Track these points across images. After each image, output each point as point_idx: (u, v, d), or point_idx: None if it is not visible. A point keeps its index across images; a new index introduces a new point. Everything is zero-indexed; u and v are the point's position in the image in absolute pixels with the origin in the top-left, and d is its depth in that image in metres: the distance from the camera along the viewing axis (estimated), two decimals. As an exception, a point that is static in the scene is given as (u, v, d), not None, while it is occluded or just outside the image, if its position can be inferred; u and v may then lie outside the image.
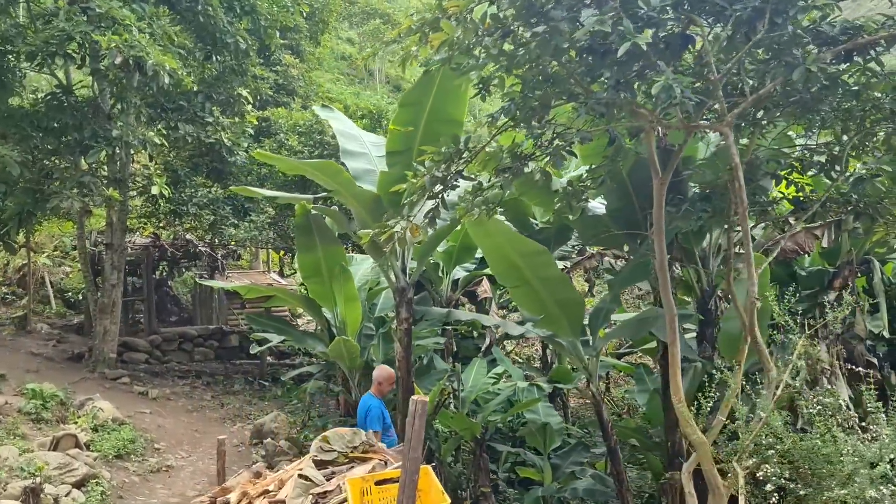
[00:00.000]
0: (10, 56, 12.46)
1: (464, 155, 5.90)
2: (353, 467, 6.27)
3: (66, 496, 8.40)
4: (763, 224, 8.36)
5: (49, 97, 13.39)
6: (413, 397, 4.45)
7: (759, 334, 5.87)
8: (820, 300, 9.51)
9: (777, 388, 5.44)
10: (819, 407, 5.19)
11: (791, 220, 9.22)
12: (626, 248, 9.42)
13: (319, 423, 12.09)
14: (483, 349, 12.97)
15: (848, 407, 6.58)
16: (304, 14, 19.31)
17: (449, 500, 4.75)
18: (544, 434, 10.59)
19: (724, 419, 5.70)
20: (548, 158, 6.18)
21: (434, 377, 10.82)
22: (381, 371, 7.81)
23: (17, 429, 10.32)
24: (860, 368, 8.13)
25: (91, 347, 15.21)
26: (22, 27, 12.21)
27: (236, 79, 15.32)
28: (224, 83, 15.18)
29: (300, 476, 6.07)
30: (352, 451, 6.44)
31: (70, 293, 21.29)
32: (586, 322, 9.67)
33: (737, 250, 7.53)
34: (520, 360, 17.96)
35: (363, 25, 49.36)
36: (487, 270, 12.78)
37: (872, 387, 5.38)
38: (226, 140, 15.17)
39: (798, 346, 5.62)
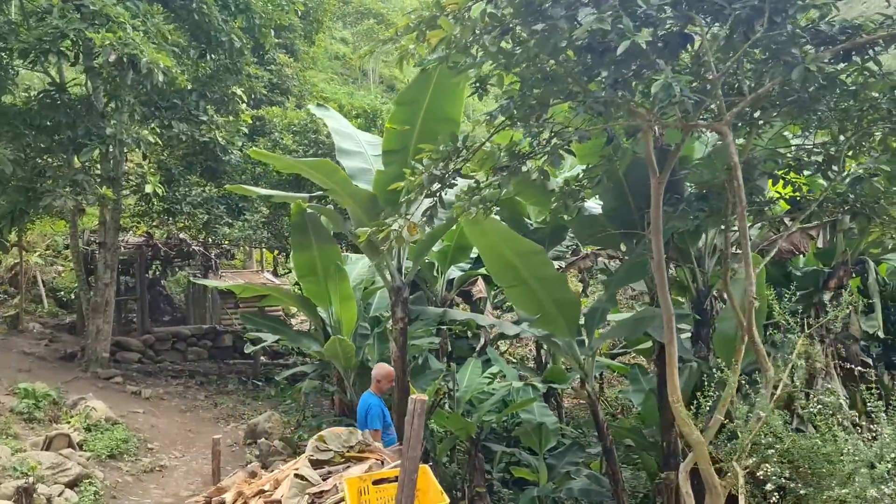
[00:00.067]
0: (4, 53, 12.38)
1: (462, 153, 5.88)
2: (349, 467, 6.25)
3: (59, 496, 8.34)
4: (759, 224, 8.36)
5: (42, 95, 13.31)
6: (412, 396, 4.43)
7: (756, 334, 5.87)
8: (815, 300, 9.54)
9: (776, 388, 5.44)
10: (819, 406, 5.18)
11: (787, 220, 9.25)
12: (623, 247, 9.40)
13: (314, 423, 12.05)
14: (478, 349, 12.95)
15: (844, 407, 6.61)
16: (299, 13, 19.27)
17: (448, 500, 4.72)
18: (540, 434, 10.58)
19: (722, 419, 5.69)
20: (545, 157, 6.18)
21: (429, 377, 10.79)
22: (380, 369, 7.78)
23: (9, 428, 10.25)
24: (857, 367, 8.14)
25: (84, 347, 15.13)
26: (15, 24, 12.14)
27: (231, 77, 15.26)
28: (218, 82, 15.12)
29: (296, 476, 6.04)
30: (348, 451, 6.42)
31: (62, 292, 21.18)
32: (582, 322, 9.67)
33: (733, 250, 7.53)
34: (514, 361, 17.96)
35: (357, 25, 49.32)
36: (482, 270, 12.79)
37: (873, 387, 5.37)
38: (220, 139, 15.12)
39: (797, 346, 5.61)
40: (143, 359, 17.12)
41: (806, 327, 5.93)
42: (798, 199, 7.29)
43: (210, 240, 19.14)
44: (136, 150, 14.07)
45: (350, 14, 49.67)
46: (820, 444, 4.88)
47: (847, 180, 6.86)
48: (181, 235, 19.51)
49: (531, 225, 12.04)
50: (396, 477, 5.38)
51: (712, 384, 5.85)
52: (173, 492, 10.01)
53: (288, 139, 16.91)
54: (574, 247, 14.11)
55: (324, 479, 6.11)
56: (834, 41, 5.43)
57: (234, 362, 18.55)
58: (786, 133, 8.38)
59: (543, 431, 10.60)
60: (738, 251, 7.91)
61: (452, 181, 6.02)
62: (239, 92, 15.41)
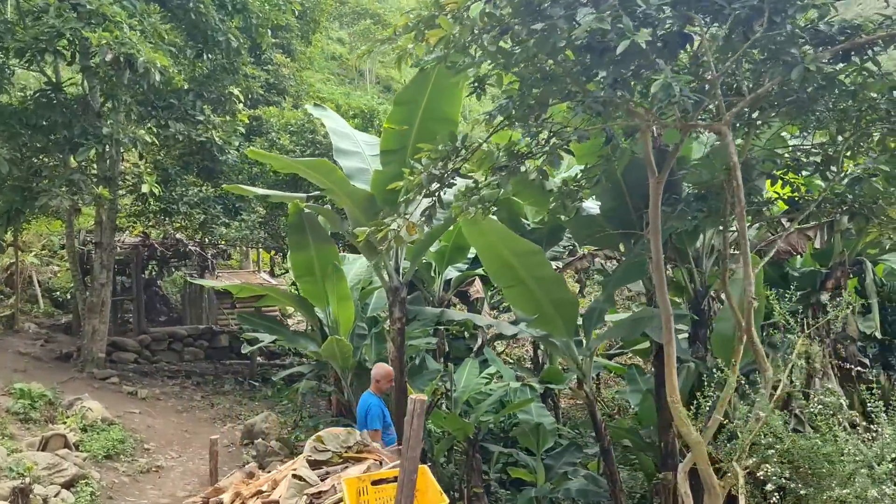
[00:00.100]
0: (0, 52, 12.33)
1: (461, 153, 5.87)
2: (347, 467, 6.23)
3: (55, 497, 8.31)
4: (757, 225, 8.37)
5: (38, 94, 13.25)
6: (411, 396, 4.41)
7: (755, 334, 5.87)
8: (812, 301, 9.55)
9: (776, 388, 5.43)
10: (820, 406, 5.18)
11: (784, 220, 9.25)
12: (621, 248, 9.40)
13: (311, 424, 12.02)
14: (475, 349, 12.95)
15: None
16: (296, 13, 19.22)
17: (447, 500, 4.71)
18: (537, 434, 10.58)
19: (721, 419, 5.69)
20: (544, 157, 6.17)
21: (426, 377, 10.78)
22: (379, 369, 7.76)
23: (5, 429, 10.21)
24: (855, 367, 8.15)
25: (80, 347, 15.07)
26: (11, 23, 12.07)
27: (227, 77, 15.22)
28: (215, 81, 15.08)
29: (294, 476, 6.02)
30: (346, 451, 6.40)
31: (58, 292, 21.12)
32: (579, 322, 9.67)
33: (731, 251, 7.53)
34: (510, 361, 17.95)
35: (354, 25, 49.27)
36: (479, 270, 12.79)
37: (873, 387, 5.36)
38: (217, 139, 15.07)
39: (798, 346, 5.61)
40: (140, 359, 17.07)
41: (806, 327, 5.92)
42: (797, 199, 7.29)
43: (207, 240, 19.09)
44: (133, 149, 14.02)
45: (347, 14, 49.62)
46: (820, 444, 4.87)
47: (845, 181, 6.87)
48: (177, 235, 19.46)
49: (528, 225, 12.05)
50: (395, 477, 5.37)
51: (712, 384, 5.84)
52: (170, 492, 9.98)
53: (285, 139, 16.87)
54: (571, 247, 14.12)
55: (322, 480, 6.10)
56: (833, 41, 5.43)
57: (230, 363, 18.52)
58: (783, 134, 8.38)
59: (541, 432, 10.60)
60: (736, 251, 7.93)
61: (451, 181, 6.01)
62: (236, 92, 15.37)
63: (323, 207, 10.46)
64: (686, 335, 9.70)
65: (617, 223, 8.99)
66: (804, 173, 7.19)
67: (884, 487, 4.38)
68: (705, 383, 5.90)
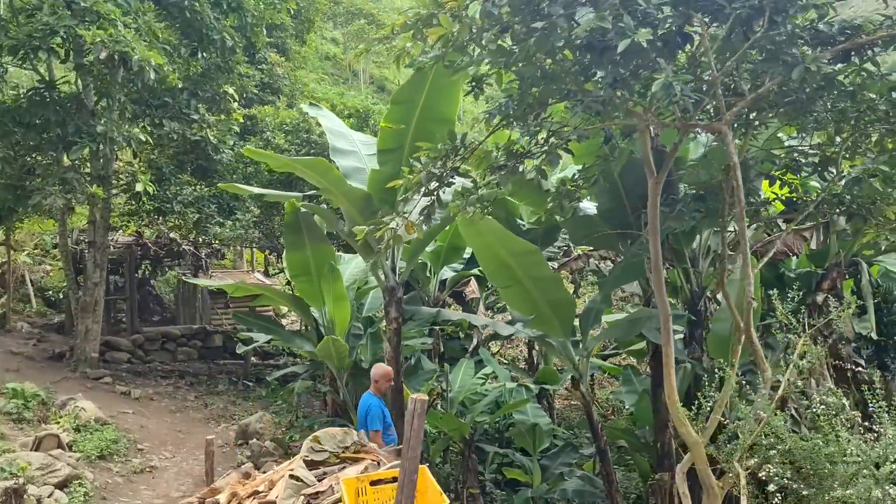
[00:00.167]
0: (-8, 50, 12.26)
1: (460, 152, 5.85)
2: (344, 468, 6.21)
3: (48, 497, 8.24)
4: (754, 226, 8.37)
5: (32, 92, 13.18)
6: (412, 396, 4.39)
7: (754, 334, 5.86)
8: (808, 302, 9.55)
9: (778, 388, 5.43)
10: (822, 407, 5.17)
11: (780, 221, 9.26)
12: (620, 247, 9.39)
13: (306, 424, 11.97)
14: (471, 350, 12.93)
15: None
16: (291, 12, 19.18)
17: (448, 501, 4.68)
18: (533, 435, 10.56)
19: (719, 419, 5.68)
20: (543, 157, 6.15)
21: (422, 378, 10.76)
22: (377, 369, 7.73)
23: (-3, 429, 10.14)
24: (856, 368, 8.16)
25: (72, 347, 14.99)
26: (4, 21, 12.00)
27: (222, 76, 15.16)
28: (210, 80, 15.01)
29: (291, 476, 5.99)
30: (343, 452, 6.37)
31: (51, 292, 21.01)
32: (576, 323, 9.66)
33: (728, 251, 7.53)
34: (505, 361, 17.95)
35: (348, 25, 49.17)
36: (475, 271, 12.77)
37: (876, 388, 5.36)
38: (211, 138, 15.01)
39: (798, 347, 5.60)
40: (133, 359, 16.98)
41: (806, 328, 5.91)
42: (795, 199, 7.30)
43: (200, 239, 19.01)
44: (127, 148, 13.95)
45: (341, 14, 49.51)
46: (821, 444, 4.86)
47: (843, 181, 6.87)
48: (171, 235, 19.38)
49: (523, 226, 12.02)
50: (394, 478, 5.34)
51: (712, 385, 5.83)
52: (164, 493, 9.92)
53: (280, 138, 16.82)
54: (566, 247, 14.12)
55: (319, 480, 6.07)
56: (833, 41, 5.43)
57: (224, 362, 18.43)
58: (780, 135, 8.39)
59: (537, 432, 10.59)
60: (732, 252, 7.94)
61: (450, 180, 5.99)
62: (231, 91, 15.31)
63: (319, 207, 10.41)
64: (681, 336, 9.70)
65: (614, 223, 8.98)
66: (803, 174, 7.18)
67: (888, 488, 4.38)
68: (705, 384, 5.88)
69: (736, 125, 6.52)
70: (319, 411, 14.07)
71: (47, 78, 13.56)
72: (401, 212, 5.87)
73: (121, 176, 15.72)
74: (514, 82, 5.81)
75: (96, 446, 10.37)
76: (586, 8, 5.27)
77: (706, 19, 5.44)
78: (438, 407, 10.55)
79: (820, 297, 9.45)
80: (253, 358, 18.10)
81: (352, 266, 12.31)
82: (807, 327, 6.15)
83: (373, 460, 6.18)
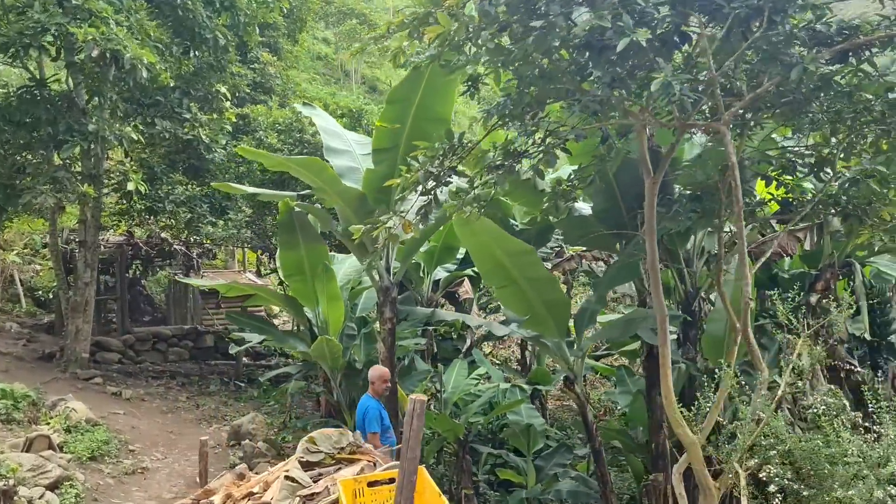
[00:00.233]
0: (-18, 48, 12.14)
1: (457, 151, 5.82)
2: (340, 468, 6.17)
3: (39, 498, 8.16)
4: (749, 226, 8.37)
5: (22, 90, 13.07)
6: (411, 396, 4.36)
7: (751, 335, 5.86)
8: (802, 303, 9.57)
9: (778, 389, 5.43)
10: (823, 407, 5.17)
11: (773, 222, 9.28)
12: (617, 247, 9.38)
13: (299, 425, 11.91)
14: (464, 350, 12.91)
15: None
16: (284, 11, 19.10)
17: (447, 502, 4.65)
18: (528, 436, 10.54)
19: (715, 419, 5.67)
20: (540, 156, 6.13)
21: (416, 378, 10.74)
22: (373, 371, 7.69)
23: (-13, 429, 10.05)
24: (845, 367, 8.17)
25: (63, 347, 14.87)
26: (-5, 18, 11.91)
27: (214, 75, 15.07)
28: (202, 79, 14.93)
29: (286, 477, 5.95)
30: (339, 452, 6.34)
31: (40, 291, 20.85)
32: (570, 323, 9.65)
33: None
34: (497, 362, 17.93)
35: (339, 25, 49.09)
36: (469, 271, 12.75)
37: (865, 388, 5.36)
38: (204, 137, 14.92)
39: (798, 348, 5.60)
40: (124, 359, 16.85)
41: (803, 329, 5.91)
42: (791, 200, 7.30)
43: (192, 239, 18.91)
44: (118, 147, 13.86)
45: (332, 14, 49.41)
46: (821, 445, 4.86)
47: (838, 182, 6.87)
48: (162, 234, 19.27)
49: (516, 226, 12.01)
50: (391, 479, 5.31)
51: (711, 385, 5.82)
52: (156, 494, 9.85)
53: (273, 138, 16.73)
54: (558, 248, 14.12)
55: (314, 481, 6.03)
56: (831, 42, 5.43)
57: (215, 363, 18.34)
58: (773, 135, 8.40)
59: (531, 433, 10.57)
60: (727, 252, 7.94)
61: (448, 179, 5.96)
62: (223, 90, 15.23)
63: (313, 206, 10.37)
64: (675, 336, 9.70)
65: (609, 224, 8.97)
66: (798, 175, 7.19)
67: (889, 489, 4.37)
68: (705, 384, 5.87)
69: (732, 125, 6.52)
70: (312, 412, 14.02)
71: (38, 76, 13.46)
72: (398, 211, 5.84)
73: (112, 175, 15.61)
74: (511, 81, 5.79)
75: (87, 447, 10.28)
76: (583, 7, 5.28)
77: (704, 19, 5.44)
78: (432, 408, 10.51)
79: (814, 298, 9.47)
80: (244, 358, 18.02)
81: (345, 266, 12.27)
82: (802, 328, 6.15)
83: (369, 461, 6.15)
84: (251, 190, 10.86)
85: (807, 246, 10.18)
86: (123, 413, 12.69)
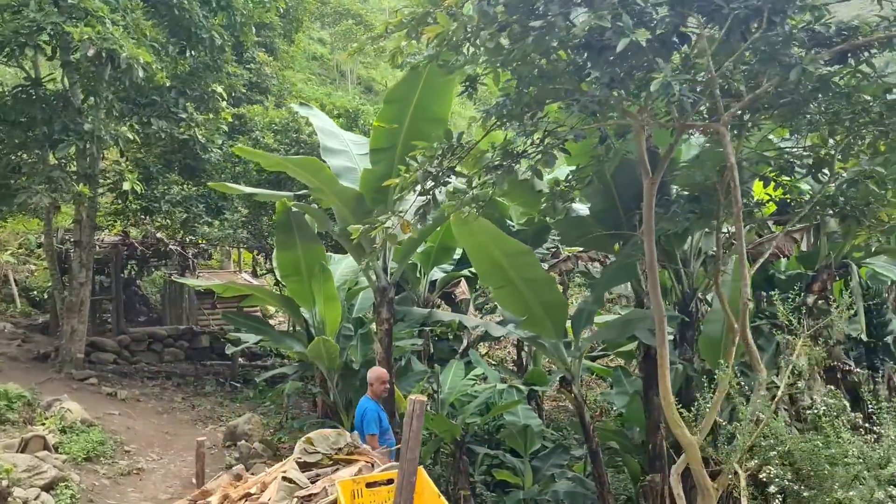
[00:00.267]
0: (-23, 47, 12.09)
1: (456, 151, 5.81)
2: (337, 469, 6.14)
3: (35, 499, 8.12)
4: (748, 227, 8.38)
5: (17, 90, 13.02)
6: (411, 397, 4.34)
7: (750, 336, 5.85)
8: (799, 304, 9.58)
9: (775, 389, 5.42)
10: (823, 408, 5.17)
11: (770, 223, 9.29)
12: (616, 247, 9.38)
13: (296, 426, 11.88)
14: (461, 351, 12.89)
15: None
16: (280, 11, 19.07)
17: (446, 502, 4.63)
18: (525, 436, 10.53)
19: (714, 419, 5.67)
20: (539, 157, 6.12)
21: (412, 379, 10.72)
22: (372, 372, 7.67)
23: (-19, 430, 10.00)
24: (842, 368, 8.19)
25: (57, 347, 14.80)
26: (-10, 17, 11.86)
27: (211, 75, 15.03)
28: (198, 79, 14.89)
29: (284, 478, 5.92)
30: (336, 453, 6.31)
31: (35, 292, 20.78)
32: (568, 324, 9.64)
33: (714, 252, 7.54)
34: (493, 363, 17.94)
35: (335, 26, 49.07)
36: (465, 272, 12.74)
37: (860, 389, 5.37)
38: (200, 137, 14.87)
39: (798, 348, 5.60)
40: (119, 360, 16.77)
41: (801, 330, 5.91)
42: (788, 201, 7.31)
43: (188, 239, 18.86)
44: (114, 146, 13.81)
45: (328, 14, 49.39)
46: (821, 445, 4.86)
47: (836, 183, 6.88)
48: (158, 235, 19.21)
49: (513, 227, 12.01)
50: (389, 480, 5.29)
51: (709, 386, 5.82)
52: (151, 495, 9.80)
53: (269, 138, 16.70)
54: (554, 249, 14.12)
55: (312, 482, 6.01)
56: (830, 43, 5.43)
57: (211, 363, 18.27)
58: (770, 137, 8.41)
59: (528, 434, 10.56)
60: (724, 253, 7.94)
61: (446, 179, 5.95)
62: (219, 89, 15.19)
63: (311, 206, 10.34)
64: (672, 337, 9.70)
65: (607, 224, 8.97)
66: (796, 175, 7.19)
67: (890, 489, 4.37)
68: (704, 385, 5.87)
69: (730, 126, 6.52)
70: (308, 412, 13.99)
71: (33, 75, 13.41)
72: (396, 211, 5.82)
73: (108, 175, 15.56)
74: (511, 81, 5.78)
75: (83, 448, 10.23)
76: (581, 8, 5.28)
77: (702, 20, 5.44)
78: (429, 408, 10.50)
79: (810, 299, 9.48)
80: (240, 359, 17.97)
81: (342, 266, 12.25)
82: (800, 329, 6.15)
83: (367, 462, 6.13)
84: (248, 190, 10.83)
85: (803, 247, 10.20)
86: (119, 413, 12.63)
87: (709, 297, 9.81)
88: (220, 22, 14.76)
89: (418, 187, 5.79)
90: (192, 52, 14.48)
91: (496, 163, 6.02)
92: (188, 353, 18.52)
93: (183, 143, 15.10)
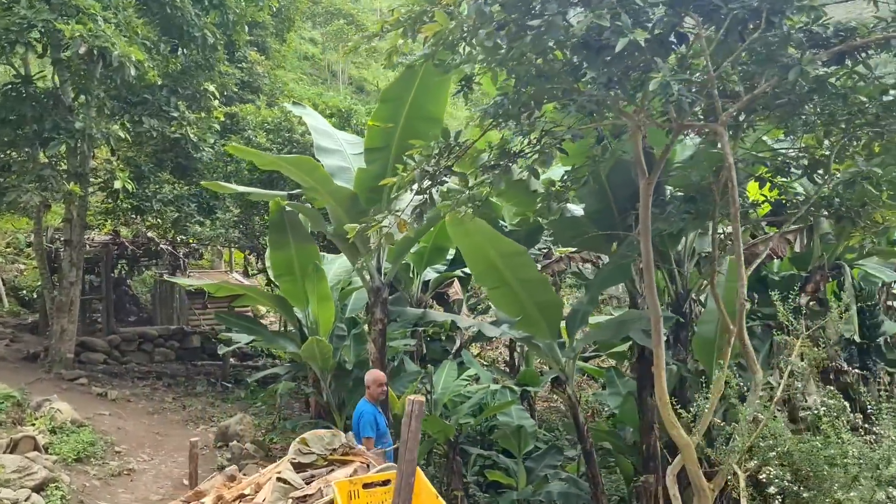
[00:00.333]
0: (-33, 44, 11.98)
1: (454, 151, 5.79)
2: (332, 470, 6.11)
3: (25, 500, 8.03)
4: (742, 228, 8.38)
5: (7, 87, 12.91)
6: (409, 397, 4.31)
7: (746, 336, 5.85)
8: (792, 305, 9.60)
9: (769, 390, 5.42)
10: (823, 409, 5.17)
11: (763, 224, 9.30)
12: (605, 249, 9.39)
13: (288, 426, 11.82)
14: (454, 351, 12.87)
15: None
16: (273, 10, 19.00)
17: (444, 502, 4.60)
18: (518, 437, 10.51)
19: (716, 420, 5.66)
20: (537, 157, 6.10)
21: (405, 379, 10.69)
22: (369, 375, 7.62)
23: (-30, 431, 9.89)
24: (840, 368, 8.21)
25: (47, 347, 14.69)
26: (-20, 15, 11.75)
27: (203, 73, 14.95)
28: (190, 77, 14.81)
29: (279, 479, 5.88)
30: (331, 454, 6.27)
31: (24, 291, 20.63)
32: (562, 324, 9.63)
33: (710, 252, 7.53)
34: (485, 363, 17.92)
35: (327, 26, 49.00)
36: (458, 272, 12.72)
37: (883, 391, 5.38)
38: (191, 135, 14.79)
39: (796, 349, 5.60)
40: (109, 360, 16.66)
41: (798, 330, 5.91)
42: (784, 202, 7.31)
43: (179, 239, 18.77)
44: (105, 145, 13.71)
45: (320, 14, 49.33)
46: (820, 446, 4.86)
47: (832, 184, 6.88)
48: (149, 234, 19.10)
49: (505, 227, 11.99)
50: (384, 481, 5.26)
51: (703, 386, 5.81)
52: (143, 496, 9.73)
53: (262, 137, 16.64)
54: (546, 249, 14.12)
55: (307, 483, 5.97)
56: (828, 44, 5.43)
57: (202, 364, 18.17)
58: (764, 138, 8.42)
59: (522, 434, 10.55)
60: (720, 253, 7.94)
61: (443, 178, 5.93)
62: (211, 88, 15.12)
63: (304, 206, 10.30)
64: (666, 338, 9.70)
65: (602, 225, 8.97)
66: (792, 176, 7.20)
67: (890, 490, 4.37)
68: (702, 386, 5.86)
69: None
70: (300, 413, 13.93)
71: (23, 73, 13.30)
72: (392, 210, 5.79)
73: (98, 173, 15.46)
74: (509, 81, 5.76)
75: (73, 448, 10.15)
76: (578, 7, 5.27)
77: (700, 20, 5.43)
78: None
79: (803, 300, 9.51)
80: (231, 359, 17.89)
81: (335, 266, 12.21)
82: (796, 330, 6.15)
83: (362, 463, 6.10)
84: (241, 189, 10.77)
85: (796, 248, 10.20)
86: (109, 414, 12.54)
87: (702, 298, 9.82)
88: (212, 20, 14.69)
89: (415, 186, 5.75)
90: (184, 51, 14.41)
91: (493, 162, 6.00)
92: (179, 353, 18.42)
93: (175, 142, 15.02)
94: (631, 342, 10.04)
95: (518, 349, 16.00)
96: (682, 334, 9.35)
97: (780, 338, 6.78)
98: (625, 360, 13.16)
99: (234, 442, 11.41)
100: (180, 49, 14.33)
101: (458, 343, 13.39)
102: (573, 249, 12.50)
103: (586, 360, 16.22)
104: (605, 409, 14.14)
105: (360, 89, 46.54)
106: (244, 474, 7.57)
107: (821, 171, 6.73)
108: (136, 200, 15.80)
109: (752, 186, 8.04)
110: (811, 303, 9.70)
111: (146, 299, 23.44)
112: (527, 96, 5.71)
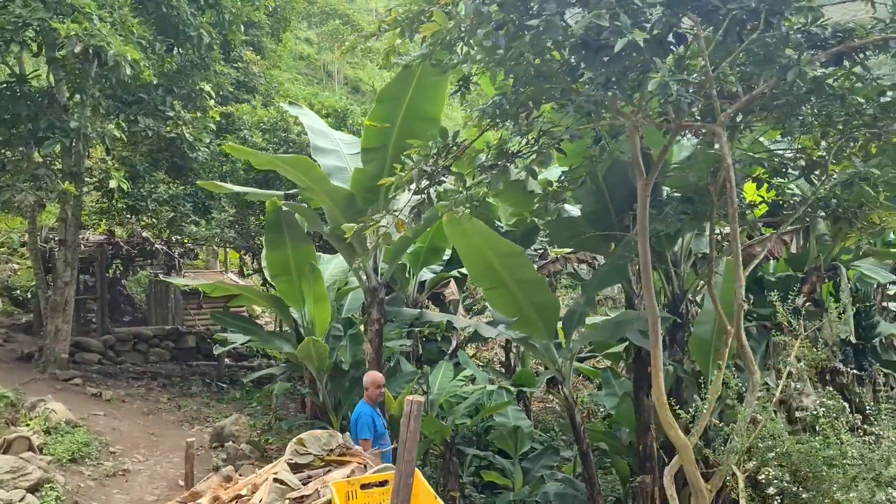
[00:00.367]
0: (-38, 43, 11.93)
1: (452, 150, 5.78)
2: (329, 471, 6.08)
3: (19, 501, 7.99)
4: (739, 228, 8.39)
5: (2, 86, 12.86)
6: (408, 398, 4.30)
7: (744, 337, 5.85)
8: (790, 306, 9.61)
9: (767, 390, 5.42)
10: (822, 409, 5.17)
11: (759, 224, 9.30)
12: (612, 247, 9.38)
13: (284, 427, 11.79)
14: (450, 352, 12.85)
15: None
16: (269, 9, 18.96)
17: (442, 503, 4.59)
18: (515, 438, 10.50)
19: (714, 420, 5.66)
20: (534, 157, 6.10)
21: (402, 380, 10.67)
22: (367, 377, 7.61)
23: (-36, 431, 9.84)
24: (840, 369, 8.22)
25: (41, 347, 14.62)
26: (-26, 13, 11.69)
27: (198, 73, 14.91)
28: (186, 77, 14.77)
29: (275, 480, 5.85)
30: (328, 455, 6.25)
31: (18, 291, 20.52)
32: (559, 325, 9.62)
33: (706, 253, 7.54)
34: (480, 364, 17.92)
35: (322, 26, 48.94)
36: (455, 272, 12.70)
37: (884, 392, 5.39)
38: (187, 135, 14.75)
39: (795, 349, 5.60)
40: (104, 360, 16.60)
41: (795, 331, 5.92)
42: (781, 203, 7.32)
43: (174, 239, 18.70)
44: (100, 144, 13.66)
45: (315, 14, 49.28)
46: (819, 447, 4.86)
47: (829, 185, 6.90)
48: (144, 234, 19.04)
49: (501, 227, 11.99)
50: (382, 481, 5.24)
51: (700, 387, 5.81)
52: (137, 497, 9.70)
53: (257, 137, 16.60)
54: (542, 250, 14.11)
55: (304, 484, 5.94)
56: (826, 45, 5.44)
57: (197, 364, 18.13)
58: (761, 139, 8.43)
59: (518, 435, 10.54)
60: (717, 254, 7.94)
61: (441, 178, 5.92)
62: (207, 88, 15.07)
63: (301, 206, 10.27)
64: (662, 338, 9.68)
65: (598, 226, 8.96)
66: (789, 177, 7.21)
67: (890, 491, 4.37)
68: (701, 386, 5.86)
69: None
70: (295, 413, 13.90)
71: (18, 72, 13.25)
72: (390, 209, 5.78)
73: (93, 173, 15.41)
74: (507, 80, 5.75)
75: (67, 449, 10.11)
76: (576, 8, 5.26)
77: (698, 20, 5.43)
78: (419, 409, 10.45)
79: (800, 301, 9.52)
80: (226, 359, 17.84)
81: (332, 266, 12.19)
82: (794, 331, 6.16)
83: (359, 463, 6.08)
84: (238, 189, 10.74)
85: (793, 249, 10.22)
86: (104, 414, 12.49)
87: (699, 299, 9.83)
88: (208, 20, 14.65)
89: (412, 186, 5.74)
90: (180, 50, 14.36)
91: (491, 162, 6.00)
92: (174, 353, 18.36)
93: (170, 142, 14.97)
94: (627, 343, 10.04)
95: (514, 350, 15.99)
96: (679, 335, 9.35)
97: (777, 338, 6.77)
98: (621, 361, 13.16)
99: (230, 442, 11.36)
100: (176, 48, 14.28)
101: (454, 343, 13.38)
102: (569, 250, 12.50)
103: (582, 360, 16.21)
104: (602, 409, 14.15)
105: (356, 89, 46.48)
106: (240, 475, 7.55)
107: (818, 172, 6.74)
108: (132, 200, 15.74)
109: (750, 187, 8.06)
110: (807, 304, 9.71)
111: (141, 299, 23.36)
112: (525, 96, 5.71)
